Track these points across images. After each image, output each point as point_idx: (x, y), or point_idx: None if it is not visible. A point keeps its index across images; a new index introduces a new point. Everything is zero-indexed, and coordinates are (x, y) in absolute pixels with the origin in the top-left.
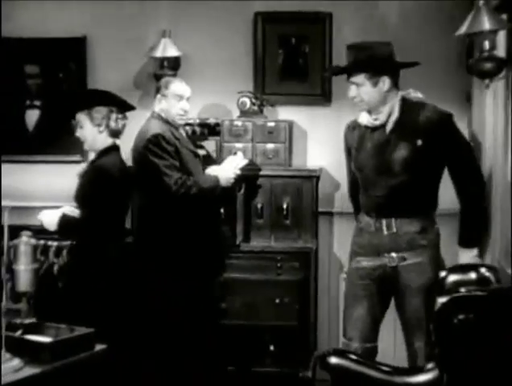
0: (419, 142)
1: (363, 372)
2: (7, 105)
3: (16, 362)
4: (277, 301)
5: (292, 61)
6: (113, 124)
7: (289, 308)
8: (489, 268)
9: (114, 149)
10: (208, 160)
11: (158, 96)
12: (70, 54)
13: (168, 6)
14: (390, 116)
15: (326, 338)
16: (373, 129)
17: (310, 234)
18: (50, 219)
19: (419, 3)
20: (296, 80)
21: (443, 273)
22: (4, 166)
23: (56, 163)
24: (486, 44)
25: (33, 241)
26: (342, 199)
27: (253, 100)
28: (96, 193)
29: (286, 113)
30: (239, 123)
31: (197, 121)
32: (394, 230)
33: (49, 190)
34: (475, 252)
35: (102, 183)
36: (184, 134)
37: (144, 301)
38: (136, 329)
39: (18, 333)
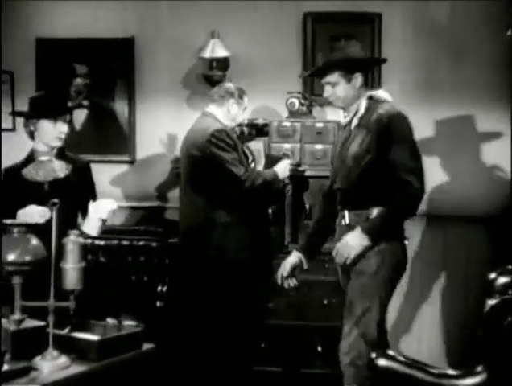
0: (367, 139)
1: (411, 375)
2: None
3: (63, 359)
4: (325, 301)
5: None
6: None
7: (337, 309)
8: None
9: None
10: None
11: (232, 100)
12: (118, 54)
13: (217, 7)
14: (356, 113)
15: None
16: (344, 126)
17: None
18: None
19: (468, 3)
20: None
21: (492, 275)
22: None
23: (104, 163)
24: None
25: (80, 240)
26: None
27: (302, 101)
28: None
29: (334, 114)
30: (287, 124)
31: (246, 121)
32: (347, 221)
33: (98, 189)
34: (366, 242)
35: None
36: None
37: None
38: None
39: (66, 330)
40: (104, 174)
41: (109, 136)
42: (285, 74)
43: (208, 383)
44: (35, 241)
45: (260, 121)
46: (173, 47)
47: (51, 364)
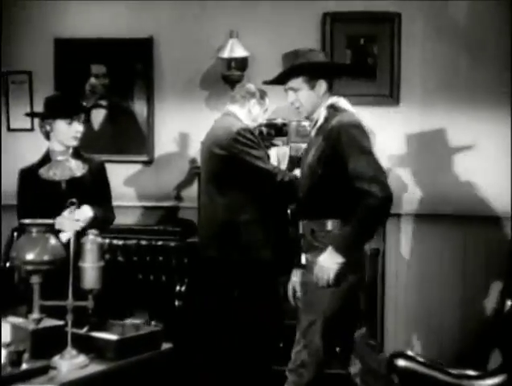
0: (321, 149)
1: (431, 375)
2: None
3: (82, 358)
4: None
5: (360, 61)
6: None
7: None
8: None
9: None
10: None
11: (254, 100)
12: (137, 54)
13: (236, 6)
14: (317, 121)
15: (393, 340)
16: (310, 133)
17: (377, 235)
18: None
19: (487, 2)
20: (364, 80)
21: None
22: None
23: (122, 163)
24: None
25: (99, 239)
26: (410, 201)
27: None
28: None
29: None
30: (306, 123)
31: (264, 121)
32: (301, 231)
33: (115, 189)
34: (339, 260)
35: None
36: None
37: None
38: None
39: (84, 330)
40: (122, 173)
41: (127, 136)
42: None
43: (226, 383)
44: (53, 241)
45: (279, 121)
46: (192, 47)
47: (70, 363)
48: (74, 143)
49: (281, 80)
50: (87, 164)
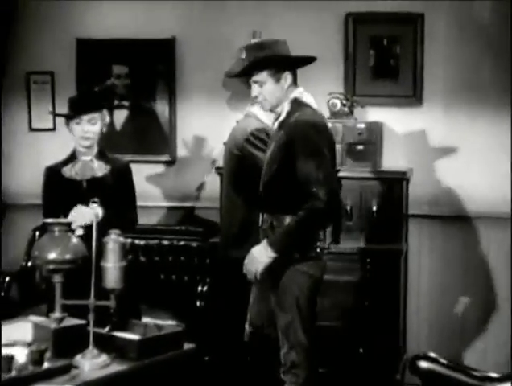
0: (279, 144)
1: (454, 377)
2: None
3: (104, 358)
4: (366, 303)
5: (383, 62)
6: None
7: (378, 310)
8: None
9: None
10: None
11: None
12: (159, 55)
13: (258, 7)
14: (279, 116)
15: (415, 341)
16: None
17: (399, 236)
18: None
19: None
20: (387, 80)
21: None
22: None
23: (144, 163)
24: None
25: (121, 239)
26: (433, 202)
27: (344, 102)
28: None
29: (376, 114)
30: (329, 124)
31: None
32: (260, 224)
33: (136, 189)
34: (271, 254)
35: None
36: None
37: None
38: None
39: (106, 329)
40: (144, 173)
41: (149, 136)
42: (326, 75)
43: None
44: (75, 240)
45: None
46: (214, 48)
47: (92, 363)
48: (85, 143)
49: (245, 72)
50: (110, 165)
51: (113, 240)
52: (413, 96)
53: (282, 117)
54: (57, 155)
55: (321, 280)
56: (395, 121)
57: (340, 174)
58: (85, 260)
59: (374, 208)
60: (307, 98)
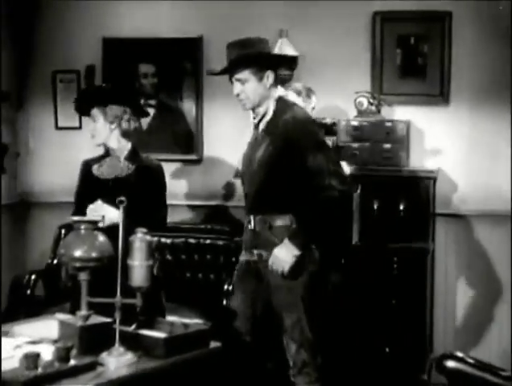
0: (273, 144)
1: (481, 377)
2: None
3: (130, 356)
4: (393, 302)
5: (411, 61)
6: (124, 124)
7: (405, 310)
8: None
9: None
10: None
11: (299, 99)
12: (186, 54)
13: (285, 6)
14: (264, 115)
15: (442, 340)
16: (255, 127)
17: (426, 235)
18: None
19: None
20: (414, 79)
21: None
22: None
23: (171, 162)
24: None
25: (148, 238)
26: (460, 201)
27: (371, 100)
28: None
29: (403, 113)
30: (356, 123)
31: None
32: (252, 227)
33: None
34: (296, 252)
35: None
36: None
37: None
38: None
39: (133, 327)
40: (170, 172)
41: (176, 135)
42: (353, 73)
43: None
44: (101, 238)
45: (328, 121)
46: None
47: (118, 360)
48: (94, 141)
49: (228, 70)
50: (136, 164)
51: (140, 239)
52: (440, 95)
53: (269, 116)
54: (83, 153)
55: (319, 273)
56: (422, 120)
57: (367, 172)
58: (111, 258)
59: (401, 207)
60: (292, 97)
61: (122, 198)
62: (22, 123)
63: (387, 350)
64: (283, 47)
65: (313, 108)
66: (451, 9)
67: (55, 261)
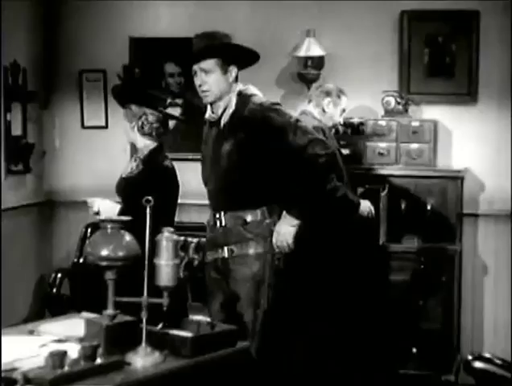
0: (241, 136)
1: (509, 378)
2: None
3: (156, 355)
4: (420, 302)
5: (438, 60)
6: (143, 124)
7: (432, 310)
8: None
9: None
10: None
11: (328, 99)
12: None
13: (313, 5)
14: (226, 109)
15: (469, 341)
16: (213, 123)
17: (454, 236)
18: (109, 207)
19: None
20: (442, 78)
21: None
22: None
23: (197, 161)
24: None
25: (174, 237)
26: (488, 201)
27: (398, 100)
28: None
29: (431, 113)
30: (383, 122)
31: (341, 120)
32: (224, 223)
33: (188, 188)
34: (294, 222)
35: None
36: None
37: None
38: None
39: (159, 327)
40: (196, 171)
41: (202, 134)
42: (380, 73)
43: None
44: (128, 237)
45: (355, 120)
46: (268, 46)
47: (144, 360)
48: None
49: (193, 59)
50: (145, 165)
51: (167, 238)
52: (468, 95)
53: (231, 110)
54: (109, 153)
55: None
56: (450, 120)
57: (395, 172)
58: (138, 257)
59: (429, 207)
60: (253, 89)
61: (149, 197)
62: (48, 122)
63: (414, 350)
64: (311, 47)
65: (343, 111)
66: (478, 8)
67: (80, 260)
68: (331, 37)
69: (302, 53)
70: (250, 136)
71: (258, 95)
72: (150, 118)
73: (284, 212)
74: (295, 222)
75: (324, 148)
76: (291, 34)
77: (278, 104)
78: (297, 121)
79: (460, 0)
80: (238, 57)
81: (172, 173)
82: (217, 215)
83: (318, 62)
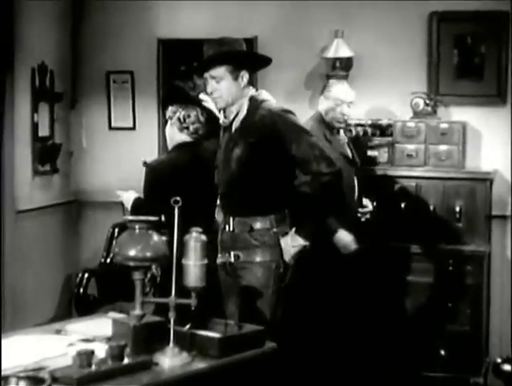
0: (250, 141)
1: None
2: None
3: (184, 356)
4: (449, 304)
5: (467, 61)
6: (176, 121)
7: (461, 312)
8: None
9: (186, 145)
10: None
11: (322, 97)
12: None
13: (341, 6)
14: (237, 114)
15: (498, 344)
16: (225, 127)
17: (483, 238)
18: (128, 196)
19: None
20: (471, 80)
21: None
22: None
23: None
24: None
25: (203, 237)
26: None
27: (427, 101)
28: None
29: (459, 114)
30: (412, 124)
31: (369, 121)
32: (232, 228)
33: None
34: (299, 242)
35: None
36: (346, 137)
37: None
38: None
39: (187, 327)
40: None
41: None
42: (409, 74)
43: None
44: (156, 238)
45: (384, 122)
46: (296, 47)
47: (172, 360)
48: None
49: (203, 66)
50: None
51: (195, 239)
52: (497, 96)
53: (242, 115)
54: (137, 154)
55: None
56: (479, 121)
57: (423, 174)
58: (166, 258)
59: (457, 209)
60: (265, 95)
61: (177, 198)
62: (75, 123)
63: (443, 353)
64: (339, 48)
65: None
66: (508, 9)
67: (108, 260)
68: (359, 38)
69: (330, 54)
70: (259, 141)
71: (270, 100)
72: (185, 116)
73: (293, 230)
74: (300, 242)
75: (328, 165)
76: (319, 36)
77: (289, 111)
78: (306, 132)
79: (489, 0)
80: (249, 62)
81: (178, 168)
82: (227, 219)
83: (346, 63)
